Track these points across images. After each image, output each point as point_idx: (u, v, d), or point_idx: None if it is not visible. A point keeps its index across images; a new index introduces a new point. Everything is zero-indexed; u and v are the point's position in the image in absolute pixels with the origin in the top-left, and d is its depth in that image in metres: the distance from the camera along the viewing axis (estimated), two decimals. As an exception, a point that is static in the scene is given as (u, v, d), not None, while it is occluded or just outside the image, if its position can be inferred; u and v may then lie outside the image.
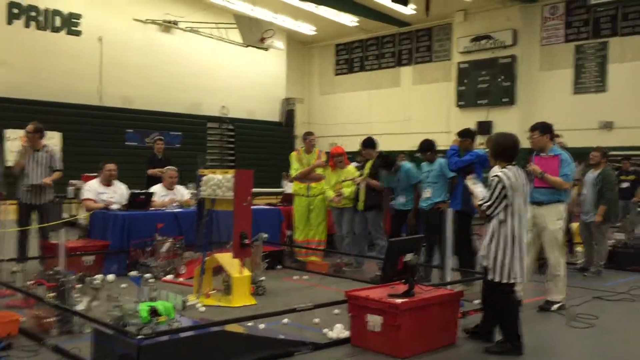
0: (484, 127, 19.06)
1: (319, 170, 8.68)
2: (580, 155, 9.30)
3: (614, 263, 8.61)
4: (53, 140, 16.53)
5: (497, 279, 4.62)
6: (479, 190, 4.92)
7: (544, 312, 5.98)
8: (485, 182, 6.52)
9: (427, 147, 7.34)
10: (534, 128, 6.23)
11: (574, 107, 17.51)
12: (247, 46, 18.83)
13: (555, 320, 5.73)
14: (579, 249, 9.22)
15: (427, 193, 7.22)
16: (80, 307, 4.85)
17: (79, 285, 5.05)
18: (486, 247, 4.68)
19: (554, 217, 6.05)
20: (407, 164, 8.01)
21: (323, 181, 8.63)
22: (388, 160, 7.88)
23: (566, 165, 6.07)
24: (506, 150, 4.76)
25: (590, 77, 17.77)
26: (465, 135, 7.11)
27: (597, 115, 17.30)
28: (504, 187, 4.57)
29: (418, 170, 7.76)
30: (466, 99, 19.96)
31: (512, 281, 4.62)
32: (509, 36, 18.77)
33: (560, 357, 4.72)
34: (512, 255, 4.60)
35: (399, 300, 4.49)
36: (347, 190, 8.21)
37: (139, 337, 3.74)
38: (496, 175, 4.63)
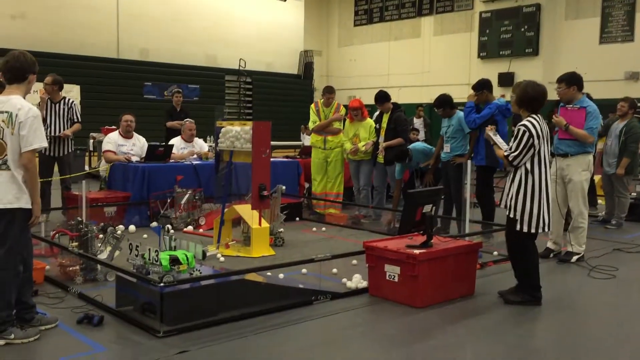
0: (506, 78, 18.70)
1: (336, 124, 8.62)
2: (606, 107, 9.07)
3: (636, 215, 8.53)
4: (72, 93, 16.60)
5: (525, 229, 4.56)
6: (500, 141, 4.85)
7: (564, 264, 5.97)
8: (506, 134, 6.43)
9: (440, 103, 7.19)
10: (560, 80, 6.05)
11: (599, 57, 17.04)
12: (265, -4, 18.53)
13: (575, 272, 5.72)
14: (601, 201, 9.13)
15: (446, 148, 7.14)
16: (103, 256, 4.95)
17: (101, 236, 5.15)
18: (512, 198, 4.59)
19: (579, 168, 5.95)
20: (419, 145, 8.14)
21: (341, 134, 8.58)
22: (402, 154, 7.73)
23: (592, 118, 5.91)
24: (533, 100, 4.64)
25: (617, 26, 17.22)
26: (481, 87, 6.85)
27: (624, 66, 16.84)
28: (531, 136, 4.49)
29: (426, 147, 8.02)
30: (488, 49, 19.53)
31: (540, 231, 4.58)
32: (533, -16, 18.19)
33: (580, 308, 4.73)
34: (539, 204, 4.54)
35: (417, 251, 4.50)
36: (362, 145, 8.18)
37: (161, 284, 3.81)
38: (522, 125, 4.54)
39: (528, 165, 4.55)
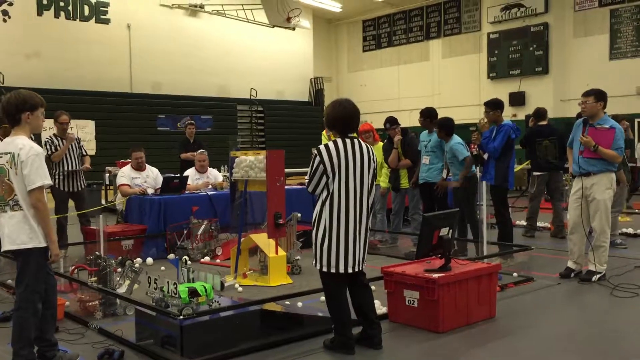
0: (517, 98, 18.71)
1: None
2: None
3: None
4: (87, 128, 16.89)
5: (318, 267, 4.04)
6: None
7: (586, 283, 5.88)
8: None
9: (427, 114, 7.51)
10: (588, 94, 6.02)
11: (610, 73, 16.98)
12: (274, 26, 18.75)
13: (597, 291, 5.63)
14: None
15: (425, 160, 7.40)
16: (122, 290, 4.96)
17: (120, 269, 5.16)
18: (313, 231, 4.06)
19: (602, 187, 5.90)
20: (456, 137, 7.45)
21: None
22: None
23: (620, 138, 5.92)
24: (335, 121, 4.05)
25: (626, 41, 17.21)
26: (495, 106, 6.97)
27: (635, 81, 16.78)
28: (321, 162, 3.92)
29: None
30: (497, 70, 19.57)
31: (332, 270, 3.98)
32: (540, 3, 18.27)
33: (604, 327, 4.64)
34: (333, 241, 3.95)
35: (436, 275, 4.47)
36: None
37: (181, 317, 3.80)
38: (316, 148, 4.02)
39: (324, 196, 3.96)
